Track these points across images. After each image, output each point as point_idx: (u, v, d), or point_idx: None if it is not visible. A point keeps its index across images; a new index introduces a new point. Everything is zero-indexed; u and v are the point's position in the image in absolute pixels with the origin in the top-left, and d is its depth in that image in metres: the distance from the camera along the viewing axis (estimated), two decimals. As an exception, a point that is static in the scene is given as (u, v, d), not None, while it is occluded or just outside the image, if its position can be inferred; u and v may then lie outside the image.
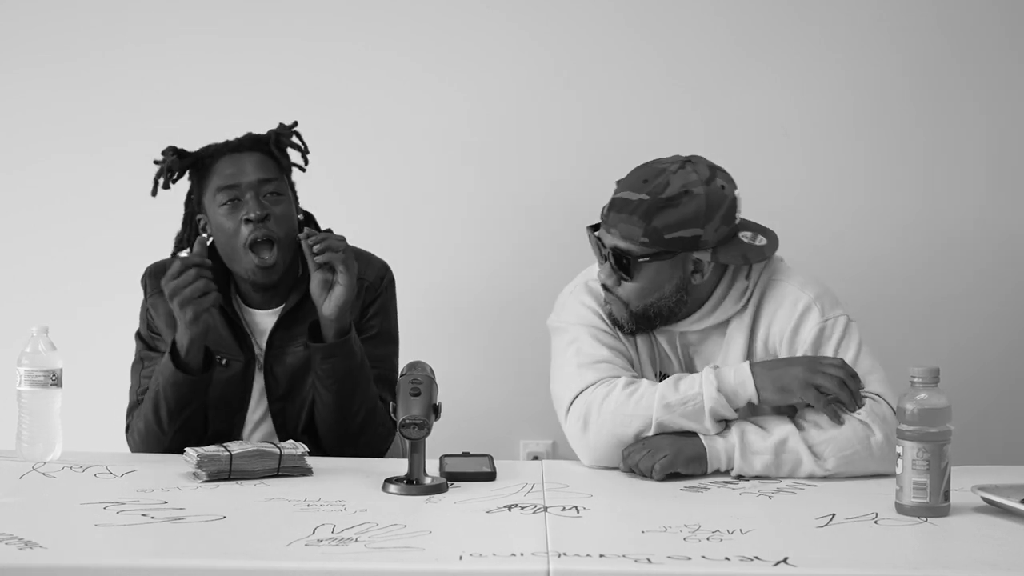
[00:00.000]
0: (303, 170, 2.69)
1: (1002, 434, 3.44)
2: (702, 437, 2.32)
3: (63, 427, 2.38)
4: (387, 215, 3.44)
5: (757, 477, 2.29)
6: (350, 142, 3.40)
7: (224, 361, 2.60)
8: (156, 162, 2.64)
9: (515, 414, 3.48)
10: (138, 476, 2.26)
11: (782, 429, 2.31)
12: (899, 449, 2.05)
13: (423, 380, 2.22)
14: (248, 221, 2.54)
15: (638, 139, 3.44)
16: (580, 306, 2.50)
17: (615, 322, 2.47)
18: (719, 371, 2.35)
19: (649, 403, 2.33)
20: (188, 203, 2.68)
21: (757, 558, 1.79)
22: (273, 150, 2.64)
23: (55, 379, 2.35)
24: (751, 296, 2.46)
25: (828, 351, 2.40)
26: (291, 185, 2.68)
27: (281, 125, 2.68)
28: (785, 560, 1.78)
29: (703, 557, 1.79)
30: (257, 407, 2.63)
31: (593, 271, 2.56)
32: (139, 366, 2.66)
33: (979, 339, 3.46)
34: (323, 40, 3.43)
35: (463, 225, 3.47)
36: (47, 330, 2.38)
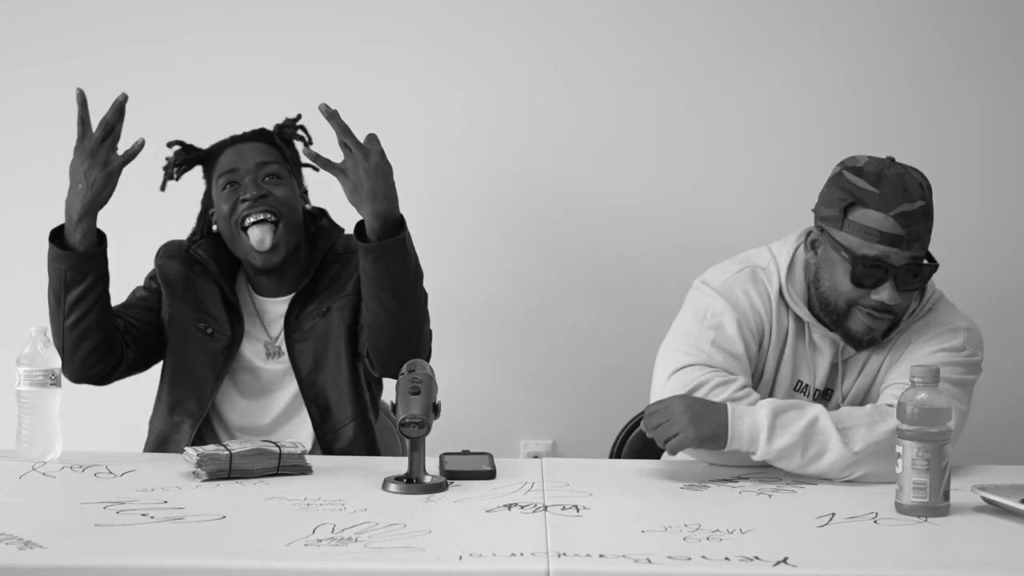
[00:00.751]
0: (316, 169, 2.69)
1: (1002, 434, 3.44)
2: (729, 408, 2.27)
3: (63, 427, 2.38)
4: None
5: (770, 479, 2.28)
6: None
7: (209, 330, 2.63)
8: (167, 158, 2.70)
9: (515, 413, 3.48)
10: (138, 476, 2.26)
11: (813, 408, 2.29)
12: (899, 449, 2.05)
13: (423, 379, 2.21)
14: (243, 200, 2.59)
15: (638, 139, 3.45)
16: (743, 293, 2.45)
17: (869, 343, 2.40)
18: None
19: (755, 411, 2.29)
20: (204, 200, 2.73)
21: (757, 558, 1.79)
22: (276, 140, 2.68)
23: (54, 379, 2.35)
24: (918, 316, 2.46)
25: (947, 361, 2.37)
26: (298, 176, 2.71)
27: (286, 119, 2.72)
28: (785, 560, 1.78)
29: (703, 557, 1.79)
30: (285, 393, 2.65)
31: (757, 259, 2.51)
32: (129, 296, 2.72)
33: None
34: (322, 40, 3.43)
35: (464, 225, 3.47)
36: (46, 330, 2.38)
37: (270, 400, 2.66)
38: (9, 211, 3.46)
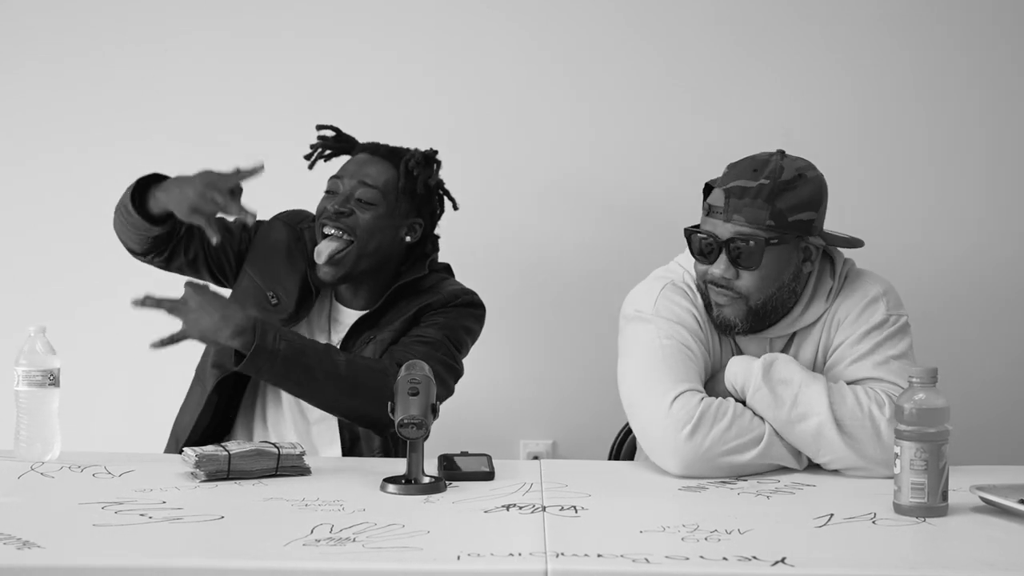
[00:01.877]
0: (455, 207, 2.79)
1: (1001, 434, 3.44)
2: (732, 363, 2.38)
3: (61, 427, 2.38)
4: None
5: (770, 480, 2.28)
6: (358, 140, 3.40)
7: (275, 300, 2.66)
8: (320, 137, 2.73)
9: (515, 414, 3.48)
10: (136, 476, 2.26)
11: (811, 373, 2.37)
12: (897, 449, 2.05)
13: (421, 380, 2.21)
14: (326, 209, 2.62)
15: (639, 139, 3.44)
16: (677, 306, 2.46)
17: (726, 325, 2.43)
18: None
19: (762, 423, 2.34)
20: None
21: (755, 558, 1.79)
22: (400, 166, 2.67)
23: (53, 379, 2.35)
24: (837, 294, 2.47)
25: (880, 340, 2.42)
26: (408, 199, 2.68)
27: (429, 150, 2.73)
28: (783, 560, 1.78)
29: (701, 557, 1.79)
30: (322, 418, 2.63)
31: (671, 271, 2.54)
32: None
33: (979, 339, 3.46)
34: (324, 40, 3.42)
35: (464, 225, 3.46)
36: (45, 330, 2.38)
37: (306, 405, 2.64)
38: (8, 210, 3.46)
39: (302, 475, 2.29)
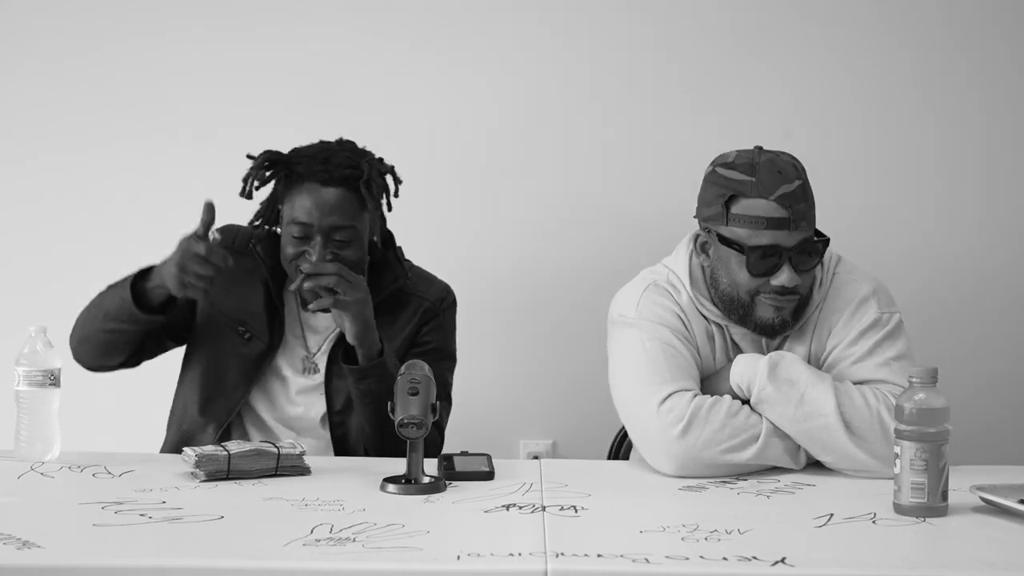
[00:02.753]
0: (389, 209, 2.69)
1: (1001, 434, 3.44)
2: (736, 361, 2.37)
3: (61, 427, 2.38)
4: (394, 213, 3.42)
5: (770, 480, 2.28)
6: (360, 141, 3.39)
7: (248, 335, 2.61)
8: (249, 156, 2.61)
9: (515, 414, 3.48)
10: (136, 476, 2.26)
11: (818, 372, 2.36)
12: (897, 449, 2.05)
13: (421, 380, 2.22)
14: (300, 271, 2.53)
15: (640, 140, 3.44)
16: (659, 307, 2.46)
17: (784, 326, 2.41)
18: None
19: (758, 422, 2.33)
20: (275, 185, 2.64)
21: (755, 558, 1.79)
22: (362, 190, 2.58)
23: (53, 379, 2.35)
24: (825, 289, 2.47)
25: (878, 340, 2.41)
26: (375, 216, 2.64)
27: (380, 162, 2.64)
28: (783, 560, 1.78)
29: (701, 557, 1.79)
30: (311, 411, 2.62)
31: (656, 272, 2.53)
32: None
33: (979, 339, 3.46)
34: (326, 41, 3.42)
35: (466, 225, 3.47)
36: (45, 330, 2.38)
37: (295, 412, 2.62)
38: (8, 209, 3.46)
39: (302, 475, 2.29)
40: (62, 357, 2.39)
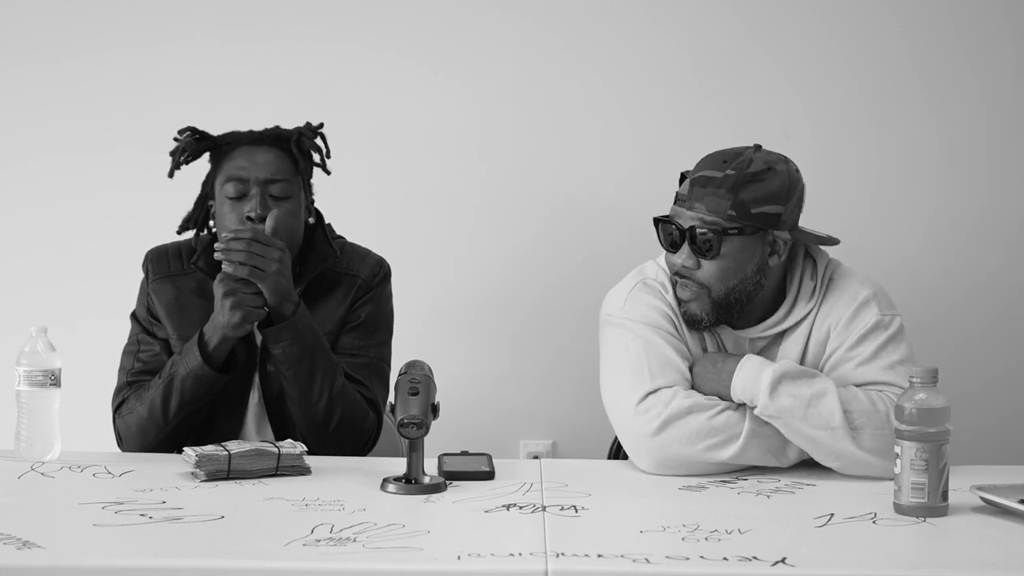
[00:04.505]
0: (327, 172, 2.67)
1: (1001, 434, 3.44)
2: (740, 363, 2.34)
3: (61, 427, 2.38)
4: (391, 214, 3.44)
5: (770, 481, 2.27)
6: (356, 141, 3.40)
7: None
8: (175, 139, 2.63)
9: (515, 414, 3.48)
10: (136, 476, 2.26)
11: (824, 381, 2.32)
12: (897, 449, 2.05)
13: (421, 379, 2.21)
14: (248, 219, 2.53)
15: (640, 139, 3.45)
16: (645, 306, 2.46)
17: (692, 319, 2.43)
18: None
19: (740, 420, 2.32)
20: (204, 185, 2.66)
21: (755, 558, 1.79)
22: (293, 149, 2.60)
23: (54, 379, 2.35)
24: (821, 296, 2.46)
25: (881, 343, 2.41)
26: (306, 185, 2.65)
27: (308, 124, 2.64)
28: (783, 560, 1.78)
29: (701, 557, 1.79)
30: (258, 407, 2.61)
31: (646, 270, 2.54)
32: (133, 349, 2.65)
33: (979, 339, 3.46)
34: (324, 40, 3.43)
35: (466, 225, 3.47)
36: (46, 330, 2.38)
37: (242, 408, 2.60)
38: (8, 210, 3.46)
39: (302, 475, 2.29)
40: (62, 357, 2.39)
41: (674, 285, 2.46)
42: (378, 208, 3.43)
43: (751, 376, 2.33)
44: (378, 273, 2.69)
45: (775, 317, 2.46)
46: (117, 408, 2.59)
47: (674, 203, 2.43)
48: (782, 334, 2.47)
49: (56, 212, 3.45)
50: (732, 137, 2.88)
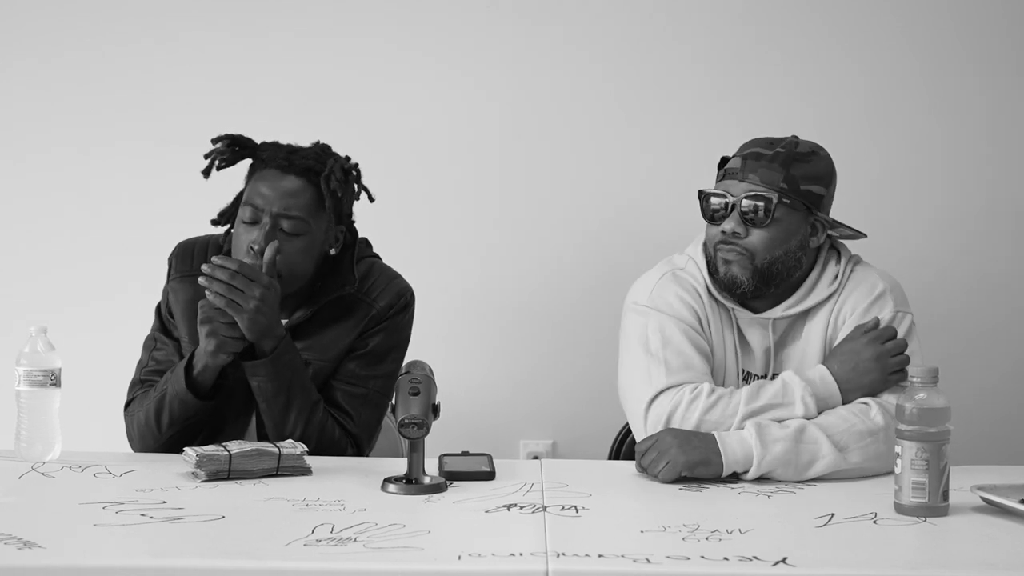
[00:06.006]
0: (371, 200, 2.64)
1: (1001, 434, 3.44)
2: (716, 434, 2.28)
3: (62, 427, 2.38)
4: (393, 214, 3.42)
5: (772, 479, 2.27)
6: (357, 141, 3.38)
7: (234, 360, 2.53)
8: (212, 142, 2.58)
9: (515, 414, 3.48)
10: (137, 476, 2.26)
11: (797, 420, 2.32)
12: (898, 449, 2.05)
13: (422, 379, 2.21)
14: (251, 250, 2.49)
15: (641, 139, 3.45)
16: (673, 297, 2.48)
17: (732, 282, 2.44)
18: (806, 377, 2.37)
19: (735, 410, 2.33)
20: (246, 180, 2.60)
21: (756, 558, 1.79)
22: (321, 184, 2.53)
23: (54, 379, 2.35)
24: (842, 282, 2.49)
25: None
26: (333, 216, 2.56)
27: (345, 160, 2.58)
28: (784, 560, 1.78)
29: (702, 557, 1.79)
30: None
31: (675, 260, 2.55)
32: (151, 343, 2.63)
33: (980, 339, 3.46)
34: (324, 40, 3.43)
35: (467, 226, 3.47)
36: (46, 330, 2.38)
37: (248, 414, 2.58)
38: (5, 203, 3.46)
39: (303, 475, 2.29)
40: (62, 357, 2.39)
41: (711, 257, 2.47)
42: (379, 209, 3.42)
43: (737, 444, 2.27)
44: (395, 304, 2.62)
45: (796, 295, 2.48)
46: (127, 405, 2.59)
47: (721, 179, 2.48)
48: (805, 314, 2.49)
49: (53, 207, 3.45)
50: (741, 138, 2.90)
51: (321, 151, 2.58)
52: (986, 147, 3.45)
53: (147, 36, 3.42)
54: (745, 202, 2.42)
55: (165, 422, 2.49)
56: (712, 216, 2.47)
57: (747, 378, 2.49)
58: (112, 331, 3.30)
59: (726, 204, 2.44)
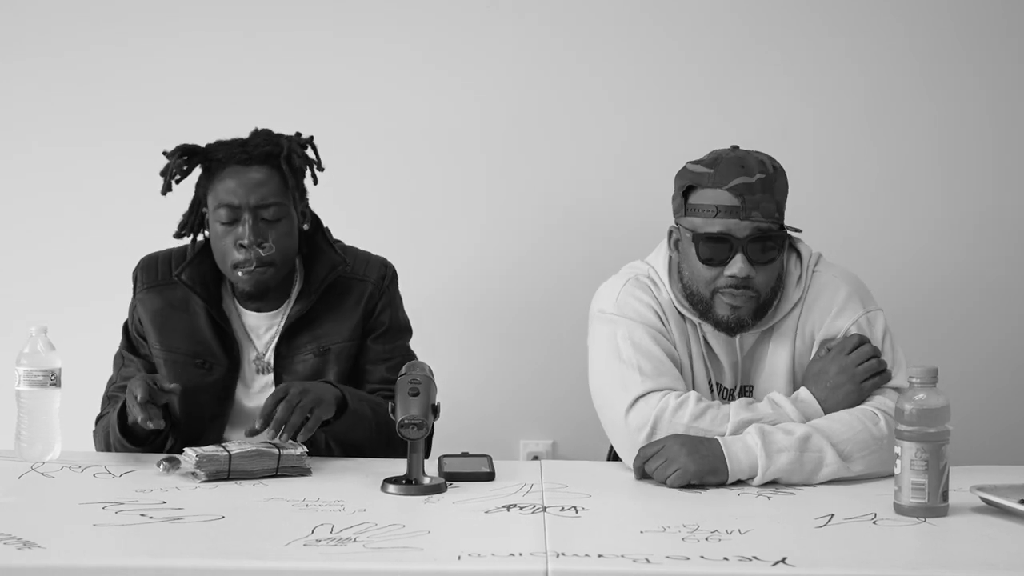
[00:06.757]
0: (315, 183, 2.65)
1: (1001, 434, 3.44)
2: (721, 441, 2.27)
3: (62, 427, 2.38)
4: (392, 214, 3.43)
5: (776, 483, 2.26)
6: (356, 140, 3.40)
7: (207, 365, 2.58)
8: (165, 153, 2.59)
9: (515, 414, 3.48)
10: (137, 476, 2.26)
11: (802, 427, 2.30)
12: (897, 449, 2.05)
13: (421, 380, 2.22)
14: (242, 247, 2.51)
15: (640, 139, 3.44)
16: (636, 301, 2.46)
17: (740, 325, 2.39)
18: (792, 400, 2.36)
19: (724, 419, 2.32)
20: (197, 187, 2.62)
21: (756, 558, 1.79)
22: (283, 166, 2.56)
23: (54, 379, 2.35)
24: (805, 288, 2.46)
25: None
26: (299, 194, 2.60)
27: (297, 135, 2.61)
28: (784, 560, 1.78)
29: (702, 557, 1.79)
30: (239, 413, 2.60)
31: (635, 267, 2.53)
32: (119, 361, 2.65)
33: (980, 339, 3.46)
34: (324, 40, 3.42)
35: (466, 225, 3.47)
36: (46, 330, 2.38)
37: (221, 420, 2.59)
38: (5, 204, 3.46)
39: (303, 475, 2.29)
40: (63, 357, 2.39)
41: (707, 300, 2.40)
42: (377, 208, 3.43)
43: (743, 450, 2.27)
44: (385, 275, 2.69)
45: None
46: (97, 419, 2.61)
47: (713, 216, 2.35)
48: (769, 332, 2.46)
49: (49, 206, 3.44)
50: (733, 138, 2.89)
51: (267, 135, 2.61)
52: (986, 147, 3.45)
53: (147, 36, 3.42)
54: (752, 245, 2.34)
55: (117, 449, 2.50)
56: (710, 258, 2.37)
57: (720, 391, 2.47)
58: (112, 331, 3.28)
59: (728, 247, 2.36)
